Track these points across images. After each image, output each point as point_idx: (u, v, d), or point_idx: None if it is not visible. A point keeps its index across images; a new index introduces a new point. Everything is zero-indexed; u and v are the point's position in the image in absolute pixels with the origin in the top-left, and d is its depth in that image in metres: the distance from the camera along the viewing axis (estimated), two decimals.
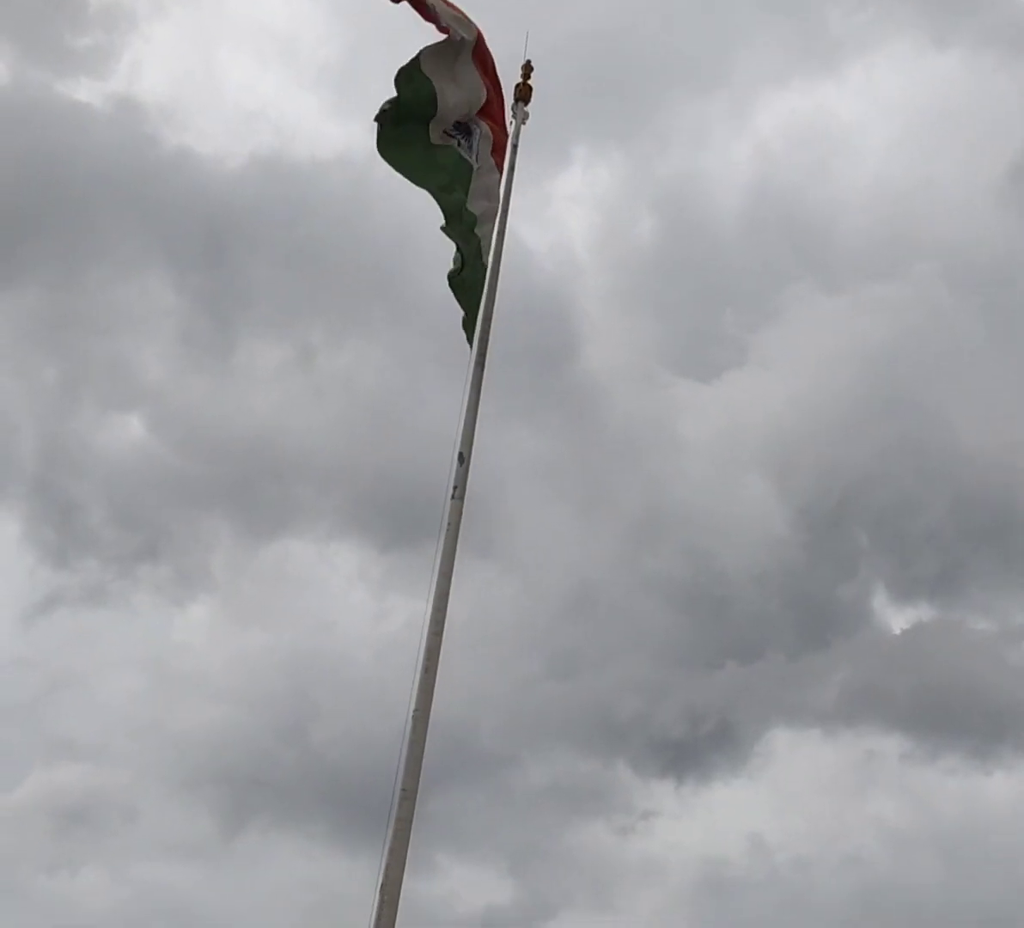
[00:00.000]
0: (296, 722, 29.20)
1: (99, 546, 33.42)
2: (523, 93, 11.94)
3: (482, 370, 10.69)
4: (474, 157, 11.07)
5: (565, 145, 39.88)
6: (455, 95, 10.94)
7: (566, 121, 39.58)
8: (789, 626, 32.73)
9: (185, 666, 31.91)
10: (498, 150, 11.35)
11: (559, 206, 39.91)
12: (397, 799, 9.06)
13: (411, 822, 9.02)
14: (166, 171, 36.02)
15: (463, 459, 10.28)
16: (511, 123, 11.79)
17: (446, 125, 10.97)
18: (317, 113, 42.08)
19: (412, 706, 9.35)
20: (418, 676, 9.45)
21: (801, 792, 31.85)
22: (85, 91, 42.37)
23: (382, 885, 8.74)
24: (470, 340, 10.81)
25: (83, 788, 29.87)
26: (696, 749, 30.52)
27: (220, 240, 35.25)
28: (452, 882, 27.90)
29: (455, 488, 10.16)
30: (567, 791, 30.04)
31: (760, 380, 35.53)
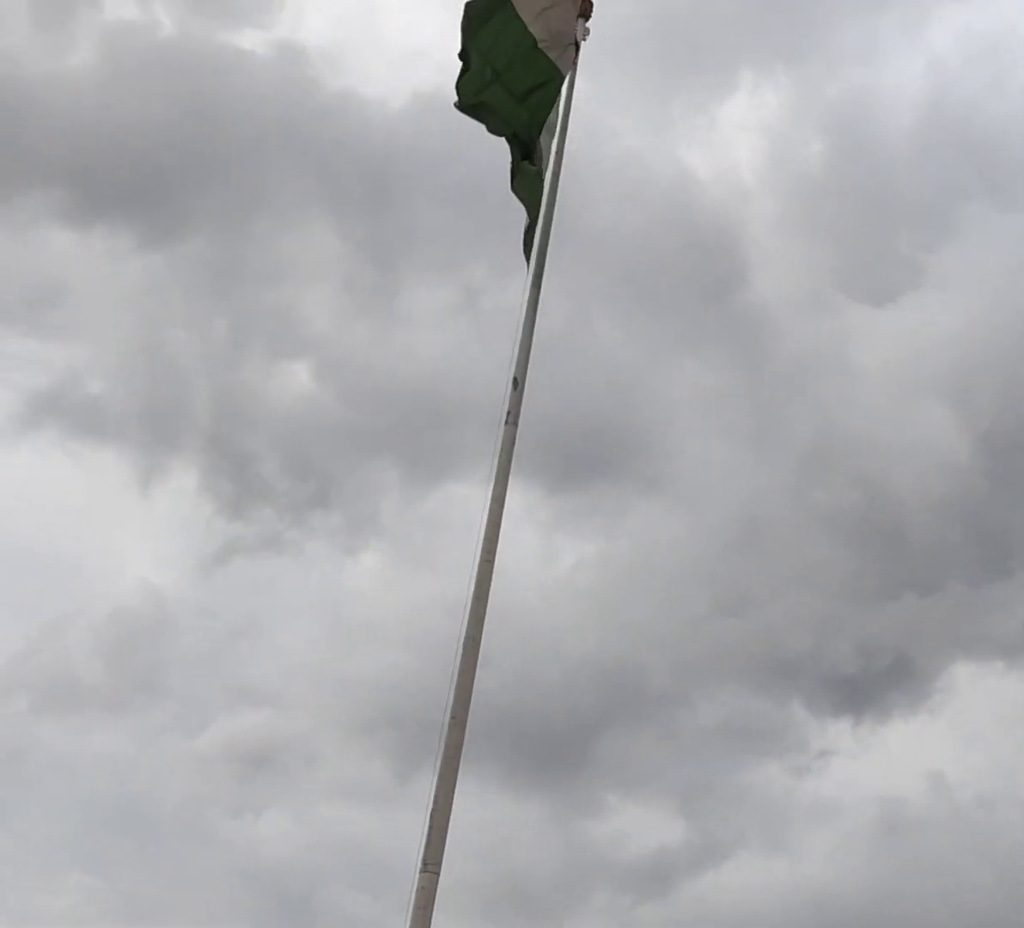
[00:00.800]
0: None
1: (273, 496, 34.06)
2: (584, 9, 11.53)
3: (539, 290, 10.43)
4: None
5: (731, 68, 38.90)
6: None
7: (731, 43, 38.59)
8: (969, 556, 31.51)
9: (358, 612, 32.37)
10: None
11: (725, 132, 38.95)
12: (447, 727, 8.99)
13: (461, 749, 8.95)
14: (329, 115, 36.19)
15: (517, 384, 10.07)
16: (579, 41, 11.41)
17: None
18: None
19: (463, 633, 9.22)
20: (469, 604, 9.33)
21: (984, 727, 30.75)
22: (248, 40, 42.92)
23: (432, 812, 8.68)
24: (528, 257, 10.53)
25: (265, 734, 30.65)
26: (872, 686, 29.73)
27: (383, 183, 35.37)
28: (623, 822, 27.81)
29: (508, 413, 9.96)
30: (739, 731, 29.60)
31: (937, 302, 34.07)
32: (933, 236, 35.74)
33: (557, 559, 31.78)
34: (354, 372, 34.70)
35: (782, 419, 33.46)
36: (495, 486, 9.70)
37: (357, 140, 37.33)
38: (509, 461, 9.79)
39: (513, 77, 10.75)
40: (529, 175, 10.81)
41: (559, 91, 10.83)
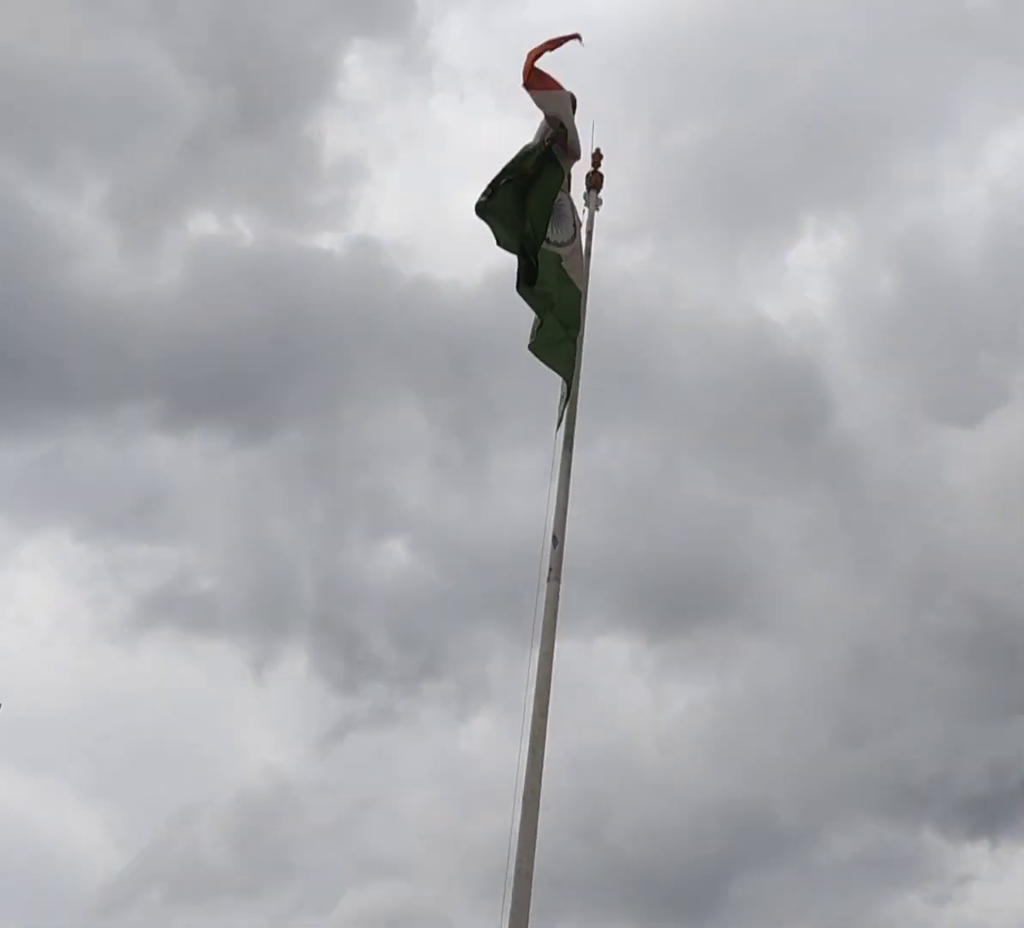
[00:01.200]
0: (590, 819, 29.38)
1: (383, 669, 34.79)
2: (594, 181, 12.30)
3: (571, 452, 10.96)
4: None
5: (794, 214, 40.01)
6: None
7: (792, 190, 39.76)
8: None
9: (475, 776, 32.58)
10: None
11: (795, 275, 39.88)
12: (512, 880, 9.25)
13: (529, 901, 9.21)
14: (407, 301, 37.96)
15: (557, 542, 10.54)
16: (583, 210, 12.14)
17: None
18: None
19: (521, 786, 9.53)
20: (524, 757, 9.65)
21: None
22: (325, 241, 45.26)
23: None
24: (560, 420, 11.09)
25: (396, 903, 30.69)
26: (1006, 805, 28.97)
27: (463, 361, 36.84)
28: None
29: (551, 570, 10.41)
30: (874, 862, 28.97)
31: None
32: (1012, 354, 36.01)
33: (668, 705, 31.79)
34: (449, 543, 35.69)
35: (884, 546, 33.47)
36: (543, 642, 10.10)
37: (435, 322, 38.96)
38: (554, 617, 10.22)
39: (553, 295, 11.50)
40: (558, 342, 11.47)
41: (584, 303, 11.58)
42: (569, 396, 11.22)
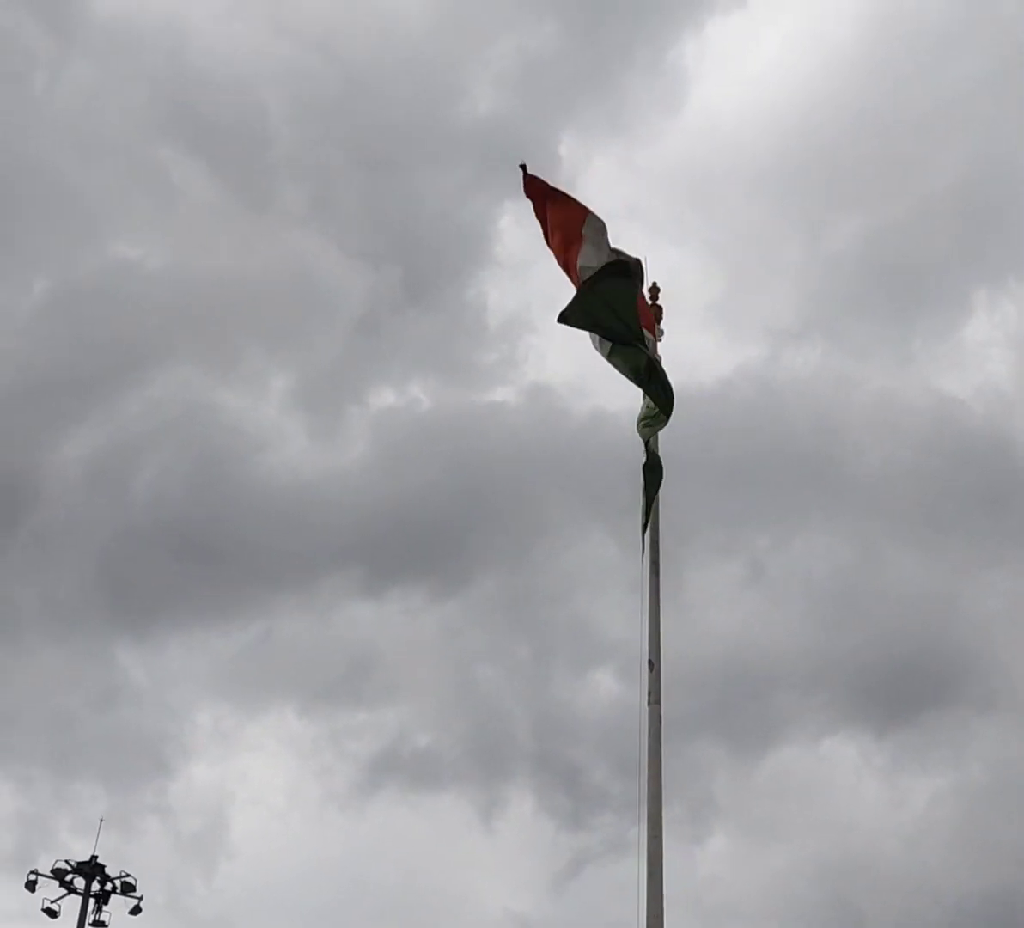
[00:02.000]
0: None
1: (608, 799, 34.85)
2: (655, 314, 12.84)
3: (658, 578, 11.31)
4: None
5: (964, 291, 39.72)
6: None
7: (958, 268, 39.52)
8: None
9: (717, 896, 32.11)
10: None
11: (972, 351, 39.51)
12: None
13: None
14: (584, 436, 38.88)
15: (653, 666, 10.86)
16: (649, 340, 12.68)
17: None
18: (710, 344, 44.29)
19: (643, 912, 9.73)
20: (643, 883, 9.86)
21: None
22: (499, 393, 46.98)
23: None
24: (644, 549, 11.45)
25: None
26: None
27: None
28: None
29: (649, 694, 10.72)
30: None
31: None
32: None
33: (908, 799, 30.91)
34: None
35: None
36: (649, 766, 10.36)
37: (614, 452, 39.70)
38: (658, 740, 10.51)
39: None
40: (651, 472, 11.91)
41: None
42: (647, 524, 11.58)
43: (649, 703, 10.71)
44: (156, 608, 48.16)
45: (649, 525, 11.66)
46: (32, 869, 30.26)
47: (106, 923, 29.85)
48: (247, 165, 52.78)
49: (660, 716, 10.65)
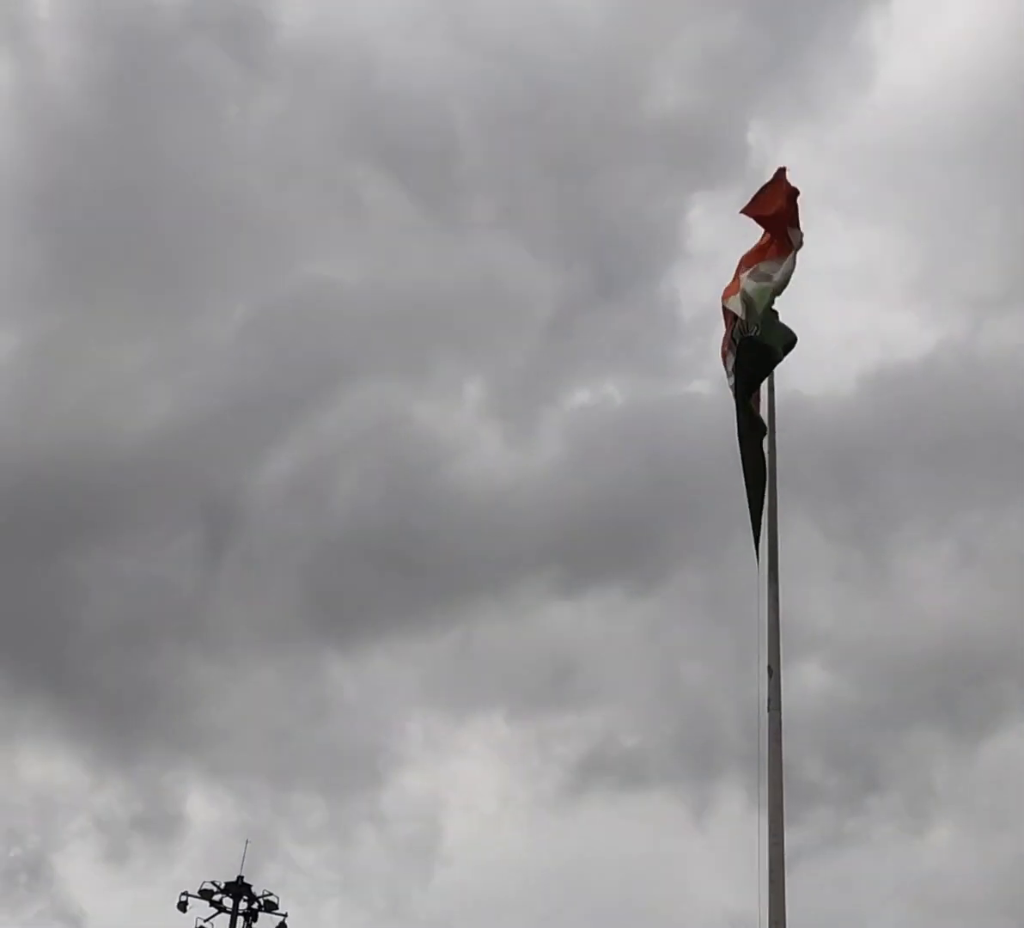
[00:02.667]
0: None
1: (823, 793, 34.40)
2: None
3: (777, 585, 11.29)
4: None
5: None
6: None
7: None
8: None
9: (943, 890, 31.38)
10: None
11: None
12: None
13: None
14: (782, 423, 38.42)
15: (772, 672, 10.83)
16: None
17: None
18: (912, 321, 43.77)
19: (766, 916, 9.70)
20: (764, 888, 9.83)
21: None
22: (694, 385, 46.89)
23: None
24: (758, 556, 11.44)
25: None
26: None
27: (848, 469, 36.84)
28: None
29: (769, 700, 10.69)
30: None
31: None
32: None
33: None
34: (866, 654, 35.26)
35: None
36: (771, 771, 10.33)
37: (813, 436, 39.42)
38: (780, 746, 10.47)
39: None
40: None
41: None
42: (757, 533, 11.54)
43: (769, 709, 10.69)
44: (359, 619, 49.36)
45: (767, 529, 11.62)
46: (183, 891, 31.21)
47: None
48: (437, 178, 54.09)
49: (780, 722, 10.62)
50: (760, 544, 11.53)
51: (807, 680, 36.30)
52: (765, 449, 12.01)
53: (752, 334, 11.75)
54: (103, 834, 43.90)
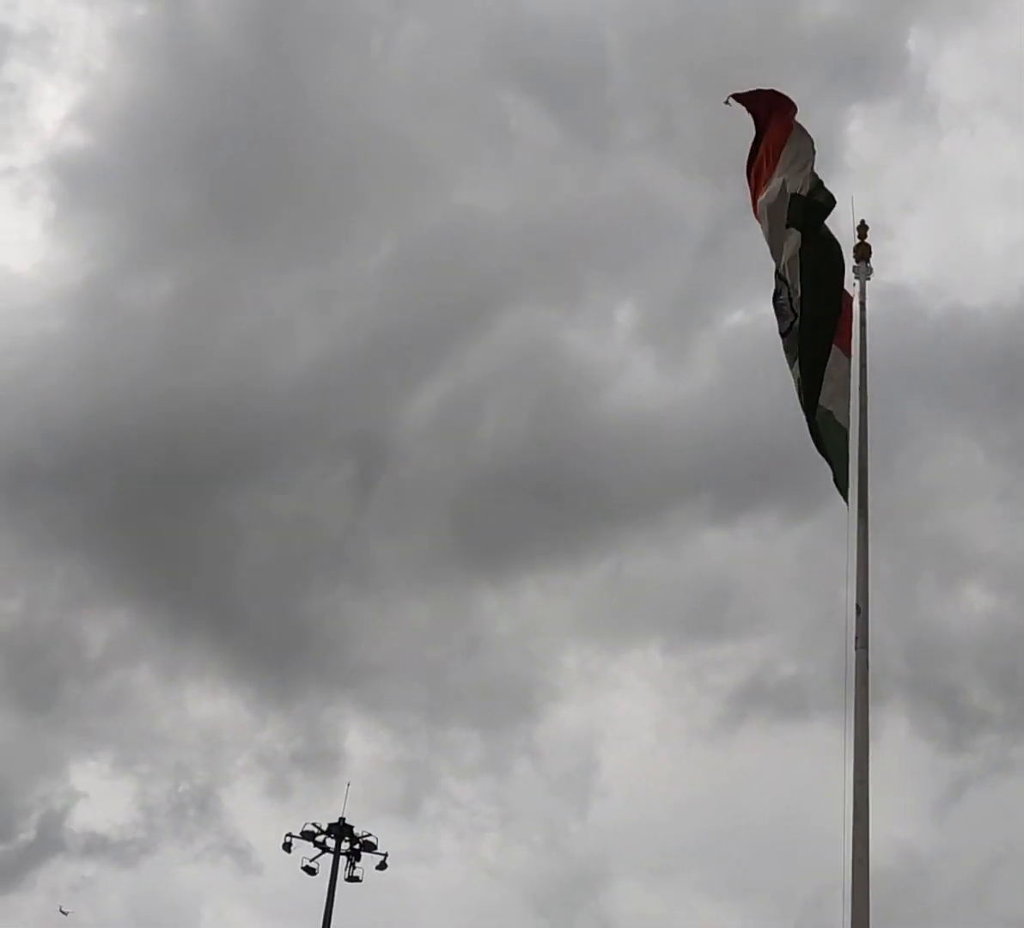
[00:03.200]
0: None
1: (990, 719, 33.83)
2: (862, 253, 12.49)
3: (866, 523, 11.05)
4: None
5: None
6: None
7: None
8: None
9: None
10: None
11: None
12: None
13: None
14: (942, 338, 37.40)
15: (860, 610, 10.64)
16: (854, 283, 12.34)
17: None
18: None
19: (849, 857, 9.58)
20: (848, 829, 9.69)
21: None
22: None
23: None
24: (845, 496, 11.21)
25: None
26: None
27: (1014, 385, 35.79)
28: None
29: (857, 638, 10.51)
30: None
31: None
32: None
33: None
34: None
35: None
36: (857, 710, 10.17)
37: (976, 352, 38.30)
38: (865, 685, 10.31)
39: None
40: (835, 431, 11.57)
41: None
42: (838, 475, 11.26)
43: (856, 647, 10.50)
44: (509, 552, 49.53)
45: (857, 472, 11.37)
46: (287, 832, 32.19)
47: (360, 878, 31.53)
48: (585, 101, 53.31)
49: (867, 661, 10.44)
50: (850, 481, 11.27)
51: (971, 603, 35.49)
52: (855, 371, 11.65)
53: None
54: (266, 770, 45.02)
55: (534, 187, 52.38)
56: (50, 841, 42.93)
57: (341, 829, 31.67)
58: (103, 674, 48.07)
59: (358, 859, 31.69)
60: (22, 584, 50.42)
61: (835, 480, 11.42)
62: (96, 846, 38.60)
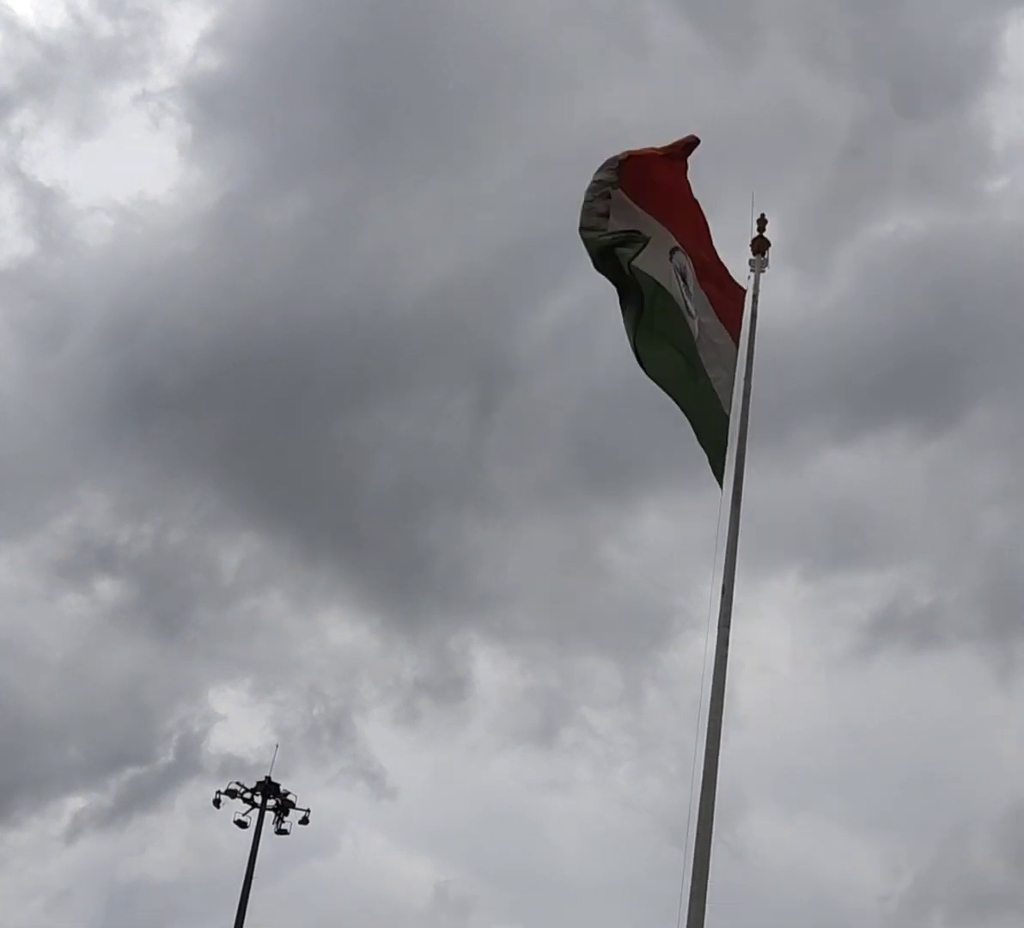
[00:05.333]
0: None
1: None
2: (759, 246, 12.94)
3: (739, 510, 11.54)
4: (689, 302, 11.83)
5: None
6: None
7: None
8: None
9: None
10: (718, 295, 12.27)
11: None
12: None
13: None
14: None
15: (726, 591, 11.16)
16: (749, 276, 12.80)
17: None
18: None
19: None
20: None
21: None
22: (1004, 214, 44.30)
23: None
24: (720, 481, 11.68)
25: None
26: None
27: None
28: None
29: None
30: None
31: None
32: None
33: None
34: None
35: None
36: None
37: None
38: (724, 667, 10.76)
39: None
40: (718, 418, 11.97)
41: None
42: (714, 460, 11.74)
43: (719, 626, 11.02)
44: (632, 473, 48.09)
45: (735, 458, 11.85)
46: (217, 790, 35.46)
47: (288, 831, 34.91)
48: (725, 10, 52.64)
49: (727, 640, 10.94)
50: (726, 467, 11.74)
51: None
52: None
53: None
54: (393, 696, 45.07)
55: (672, 96, 51.39)
56: (188, 763, 44.51)
57: (267, 787, 34.73)
58: (236, 599, 48.09)
59: (286, 814, 34.77)
60: (154, 509, 50.34)
61: (711, 464, 11.84)
62: (232, 768, 39.57)
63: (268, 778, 34.74)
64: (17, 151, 63.22)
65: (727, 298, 12.46)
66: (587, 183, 11.16)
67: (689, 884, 9.82)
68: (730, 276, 12.63)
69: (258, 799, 34.46)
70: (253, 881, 32.72)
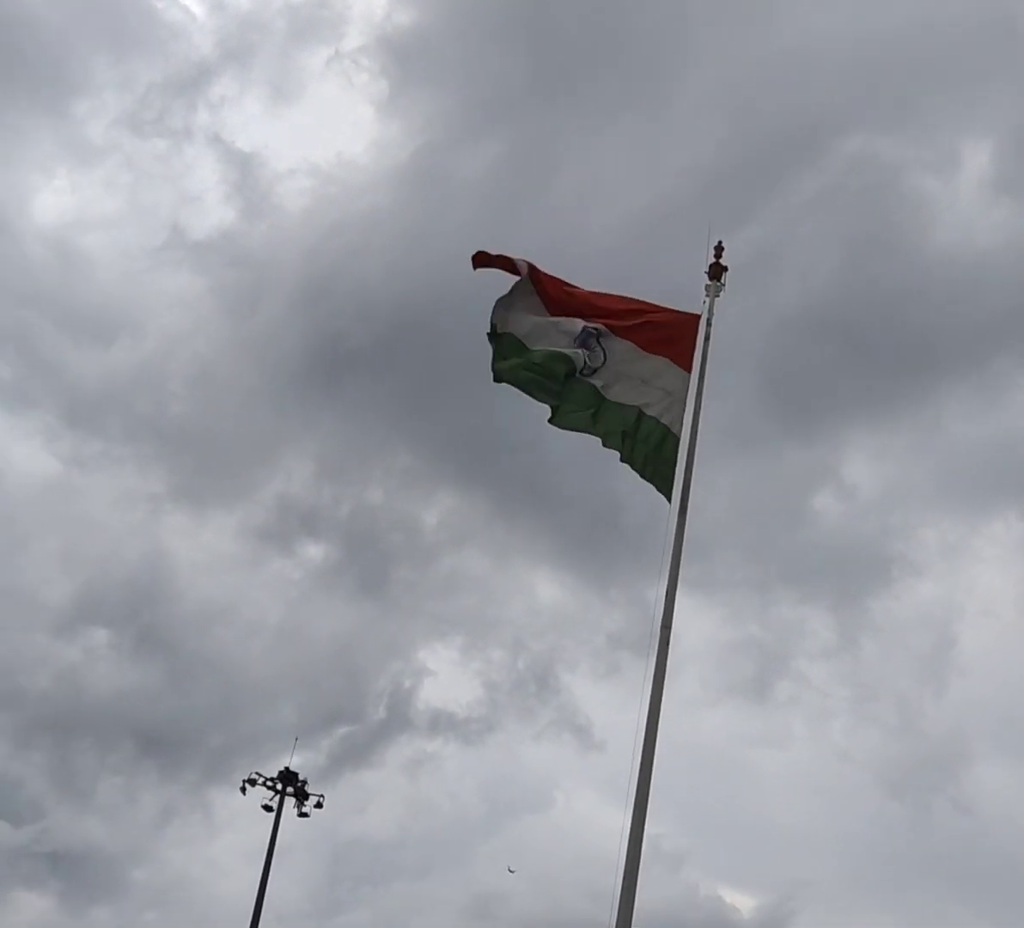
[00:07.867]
0: None
1: None
2: (715, 272, 13.79)
3: (683, 525, 12.41)
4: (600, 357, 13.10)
5: None
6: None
7: None
8: None
9: None
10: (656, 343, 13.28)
11: None
12: None
13: None
14: None
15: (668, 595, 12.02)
16: (705, 300, 13.66)
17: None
18: None
19: None
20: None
21: None
22: None
23: None
24: (668, 497, 12.54)
25: None
26: None
27: None
28: None
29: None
30: None
31: None
32: None
33: None
34: None
35: None
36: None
37: None
38: (664, 667, 11.59)
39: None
40: (668, 440, 12.95)
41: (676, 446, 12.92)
42: (661, 479, 12.66)
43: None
44: (820, 407, 48.03)
45: (683, 472, 12.69)
46: (243, 778, 37.92)
47: (309, 814, 37.42)
48: None
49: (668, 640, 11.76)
50: (676, 483, 12.57)
51: None
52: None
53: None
54: (597, 650, 44.96)
55: (871, 6, 50.56)
56: (398, 718, 46.89)
57: (287, 776, 37.61)
58: (436, 558, 48.28)
59: (306, 798, 37.24)
60: (350, 471, 51.22)
61: (655, 481, 12.70)
62: (442, 723, 40.27)
63: (287, 768, 37.01)
64: (218, 120, 65.96)
65: (664, 336, 13.34)
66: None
67: None
68: (672, 313, 13.51)
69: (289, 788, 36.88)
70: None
